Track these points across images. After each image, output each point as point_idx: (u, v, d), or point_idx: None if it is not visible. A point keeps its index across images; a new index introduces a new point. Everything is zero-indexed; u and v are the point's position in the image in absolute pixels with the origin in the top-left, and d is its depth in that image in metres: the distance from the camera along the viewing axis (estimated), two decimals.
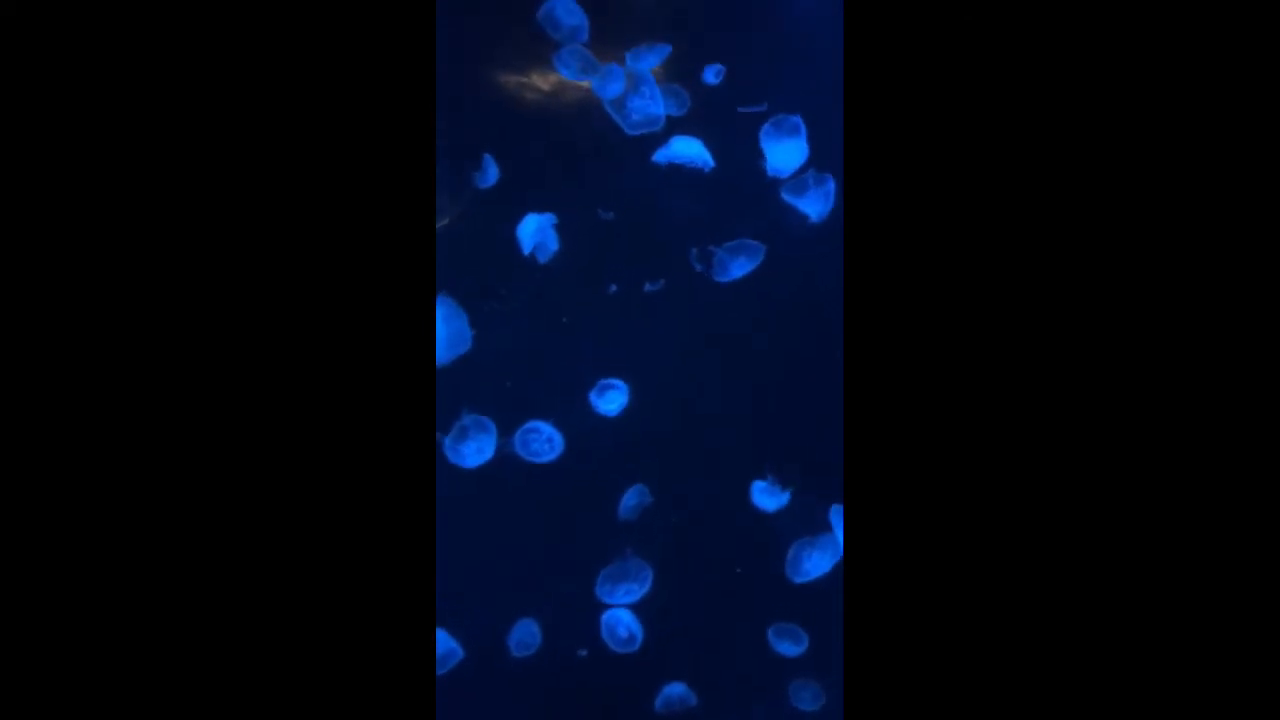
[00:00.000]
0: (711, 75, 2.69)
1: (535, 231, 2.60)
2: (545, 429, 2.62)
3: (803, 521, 2.64)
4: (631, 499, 2.61)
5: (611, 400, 2.62)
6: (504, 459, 2.59)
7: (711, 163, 2.65)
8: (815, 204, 2.67)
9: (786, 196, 2.67)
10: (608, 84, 2.63)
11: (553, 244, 2.61)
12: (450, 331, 2.53)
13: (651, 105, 2.61)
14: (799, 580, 2.61)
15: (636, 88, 2.61)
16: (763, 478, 2.64)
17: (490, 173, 2.61)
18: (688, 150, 2.64)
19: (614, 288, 2.66)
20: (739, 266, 2.67)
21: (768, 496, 2.62)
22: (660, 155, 2.63)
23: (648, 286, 2.65)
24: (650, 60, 2.66)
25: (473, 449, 2.57)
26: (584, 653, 2.61)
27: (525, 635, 2.62)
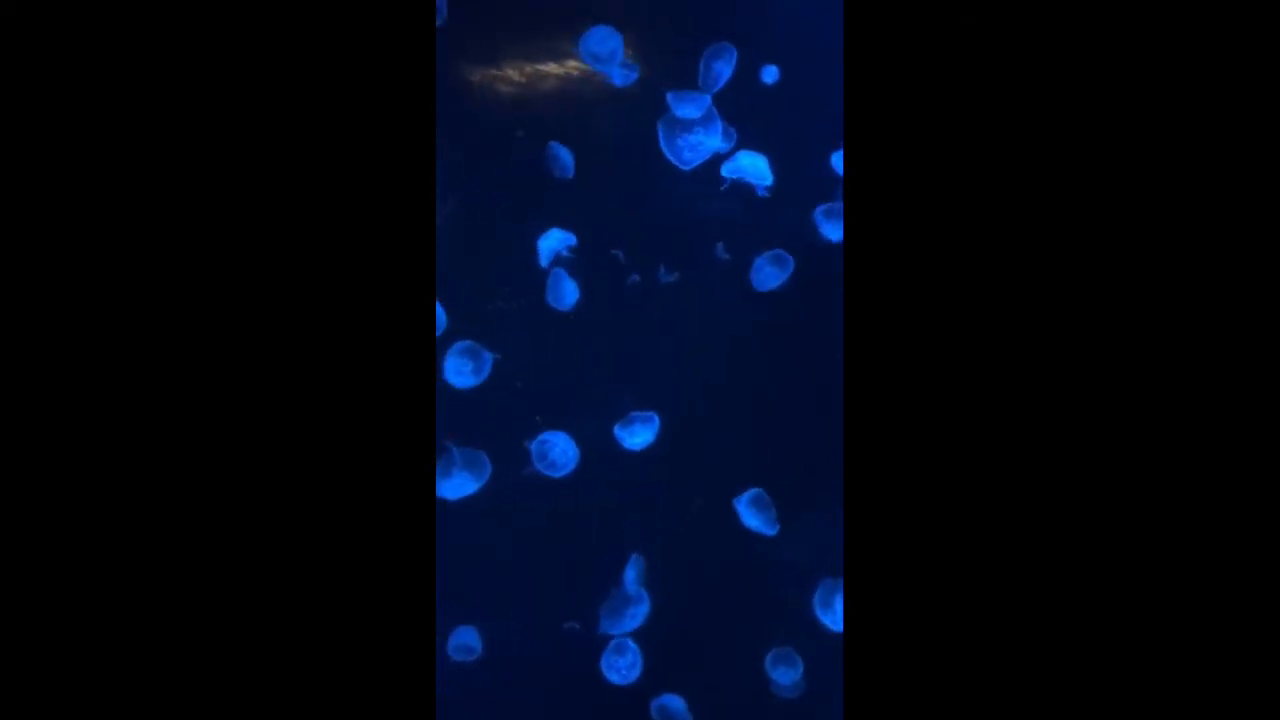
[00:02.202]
0: (770, 76, 2.53)
1: (556, 244, 2.50)
2: (560, 439, 2.49)
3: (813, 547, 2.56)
4: (631, 571, 2.52)
5: (637, 434, 2.50)
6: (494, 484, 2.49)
7: (769, 182, 2.50)
8: (838, 228, 2.53)
9: (819, 217, 2.54)
10: (682, 105, 2.46)
11: (572, 295, 2.48)
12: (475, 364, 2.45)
13: (709, 139, 2.47)
14: (835, 627, 2.52)
15: (688, 126, 2.47)
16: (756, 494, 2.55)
17: (566, 161, 2.46)
18: (753, 166, 2.49)
19: (635, 277, 2.54)
20: (771, 276, 2.53)
21: (752, 515, 2.53)
22: (726, 168, 2.49)
23: (663, 277, 2.53)
24: (723, 69, 2.47)
25: (453, 485, 2.45)
26: (575, 625, 2.53)
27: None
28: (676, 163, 2.47)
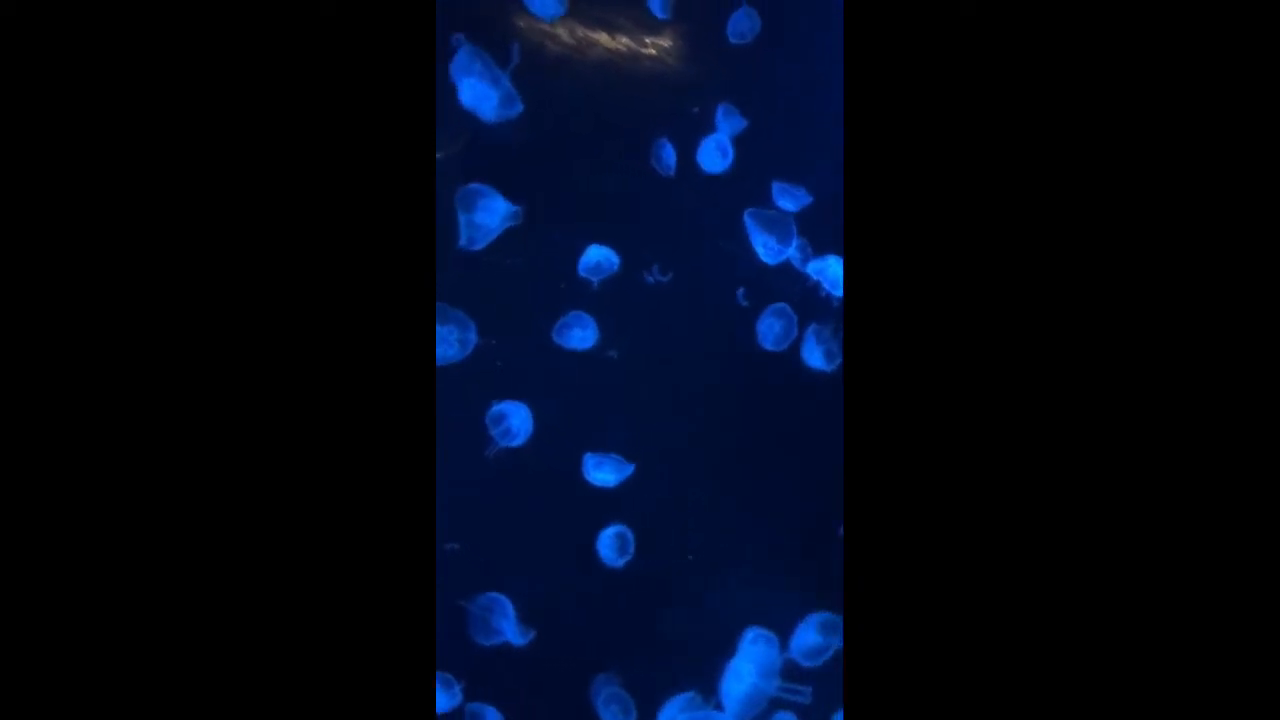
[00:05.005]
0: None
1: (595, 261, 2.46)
2: (519, 409, 2.46)
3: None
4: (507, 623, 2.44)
5: (607, 471, 2.43)
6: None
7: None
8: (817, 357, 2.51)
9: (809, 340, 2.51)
10: (783, 197, 2.46)
11: (590, 339, 2.44)
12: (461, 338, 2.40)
13: (787, 249, 2.48)
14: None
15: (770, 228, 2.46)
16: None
17: (669, 158, 2.44)
18: (837, 276, 2.45)
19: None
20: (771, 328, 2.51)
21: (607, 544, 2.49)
22: (811, 268, 2.49)
23: (650, 278, 2.48)
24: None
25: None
26: (455, 546, 2.44)
27: None
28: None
